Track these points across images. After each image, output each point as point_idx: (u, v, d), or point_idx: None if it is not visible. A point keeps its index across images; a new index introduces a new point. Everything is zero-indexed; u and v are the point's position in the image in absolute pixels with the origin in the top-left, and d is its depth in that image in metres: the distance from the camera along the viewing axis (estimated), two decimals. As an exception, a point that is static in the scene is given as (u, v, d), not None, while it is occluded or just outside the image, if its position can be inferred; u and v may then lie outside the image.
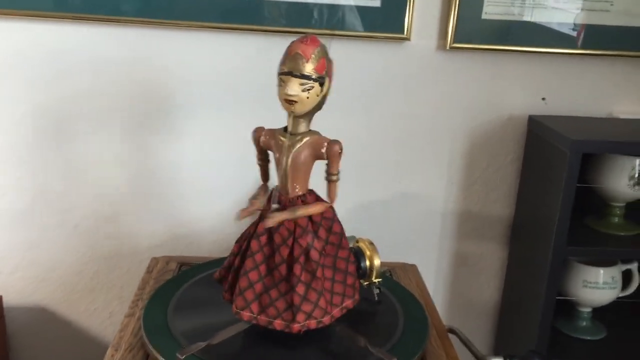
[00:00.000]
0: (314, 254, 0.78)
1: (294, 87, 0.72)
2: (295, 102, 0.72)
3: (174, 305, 0.89)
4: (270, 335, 0.81)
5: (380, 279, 0.92)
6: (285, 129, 0.78)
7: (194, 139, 1.23)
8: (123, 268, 1.30)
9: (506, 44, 1.21)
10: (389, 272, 1.10)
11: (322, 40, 0.75)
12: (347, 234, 0.88)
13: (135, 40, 1.17)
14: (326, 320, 0.79)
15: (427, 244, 1.33)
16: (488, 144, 1.28)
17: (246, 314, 0.77)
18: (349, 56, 1.20)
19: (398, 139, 1.26)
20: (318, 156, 0.77)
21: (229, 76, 1.20)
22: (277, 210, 0.77)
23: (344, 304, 0.82)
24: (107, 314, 1.33)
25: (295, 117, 0.76)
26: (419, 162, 1.28)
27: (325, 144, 0.76)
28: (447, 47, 1.19)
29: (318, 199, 0.80)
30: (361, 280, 0.90)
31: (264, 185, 0.82)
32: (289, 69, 0.72)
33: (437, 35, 1.20)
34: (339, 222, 0.82)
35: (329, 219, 0.81)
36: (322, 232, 0.79)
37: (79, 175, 1.23)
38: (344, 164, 1.26)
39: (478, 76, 1.24)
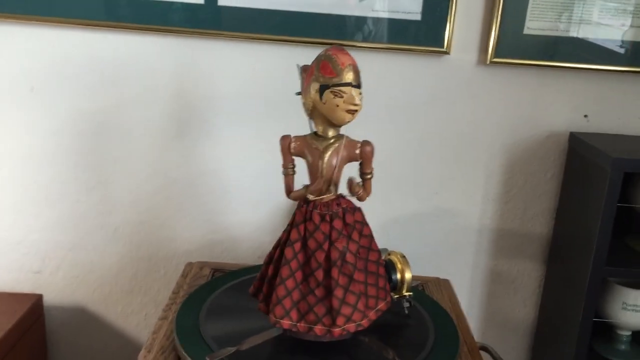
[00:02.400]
0: (350, 257, 0.79)
1: (358, 97, 0.74)
2: (357, 111, 0.75)
3: (206, 310, 0.91)
4: (300, 343, 0.82)
5: (410, 293, 0.92)
6: (315, 134, 0.80)
7: (232, 147, 1.25)
8: (160, 272, 1.32)
9: (549, 60, 1.19)
10: (421, 286, 1.10)
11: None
12: (380, 246, 0.88)
13: (180, 50, 1.20)
14: (364, 322, 0.80)
15: (461, 260, 1.32)
16: (527, 160, 1.26)
17: (286, 322, 0.78)
18: (387, 69, 1.20)
19: (434, 153, 1.25)
20: (352, 158, 0.79)
21: (268, 87, 1.21)
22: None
23: (378, 307, 0.83)
24: (143, 316, 1.35)
25: (330, 123, 0.77)
26: (455, 176, 1.27)
27: (359, 145, 0.79)
28: (488, 62, 1.18)
29: (349, 201, 0.81)
30: (391, 293, 0.90)
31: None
32: (349, 81, 0.74)
33: (478, 50, 1.20)
34: (368, 225, 0.83)
35: (360, 222, 0.82)
36: (355, 235, 0.80)
37: (119, 180, 1.26)
38: (378, 177, 1.26)
39: (519, 92, 1.22)
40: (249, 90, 1.22)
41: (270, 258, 0.83)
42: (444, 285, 1.12)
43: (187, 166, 1.26)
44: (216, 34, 1.18)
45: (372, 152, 0.78)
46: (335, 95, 0.74)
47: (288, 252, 0.79)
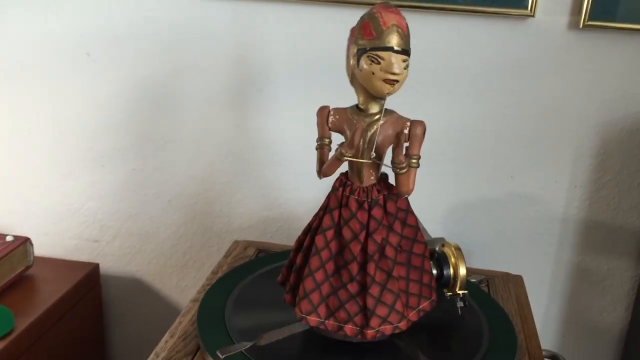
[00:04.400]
0: (390, 251, 0.69)
1: (399, 65, 0.63)
2: (397, 81, 0.63)
3: (236, 296, 0.84)
4: (327, 342, 0.73)
5: (465, 291, 0.80)
6: (357, 107, 0.69)
7: (288, 117, 1.16)
8: (213, 247, 1.28)
9: (659, 23, 1.01)
10: (485, 282, 0.97)
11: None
12: (446, 236, 0.76)
13: (236, 13, 1.12)
14: (402, 325, 0.70)
15: (540, 254, 1.17)
16: (625, 141, 1.08)
17: (313, 319, 0.70)
18: (460, 35, 1.06)
19: (514, 131, 1.10)
20: (398, 138, 0.67)
21: (326, 52, 1.11)
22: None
23: (420, 306, 0.73)
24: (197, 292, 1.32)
25: (371, 95, 0.67)
26: (537, 158, 1.11)
27: (408, 124, 0.67)
28: (581, 25, 1.01)
29: (391, 186, 0.71)
30: (444, 290, 0.79)
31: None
32: (389, 44, 0.62)
33: (569, 11, 1.03)
34: (414, 213, 0.72)
35: (404, 210, 0.71)
36: (397, 226, 0.70)
37: (174, 149, 1.22)
38: (446, 156, 1.13)
39: (618, 61, 1.04)
40: (312, 57, 1.12)
41: (299, 244, 0.74)
42: (514, 281, 0.99)
43: (241, 137, 1.19)
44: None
45: (423, 134, 0.67)
46: (372, 61, 0.63)
47: (319, 241, 0.70)
